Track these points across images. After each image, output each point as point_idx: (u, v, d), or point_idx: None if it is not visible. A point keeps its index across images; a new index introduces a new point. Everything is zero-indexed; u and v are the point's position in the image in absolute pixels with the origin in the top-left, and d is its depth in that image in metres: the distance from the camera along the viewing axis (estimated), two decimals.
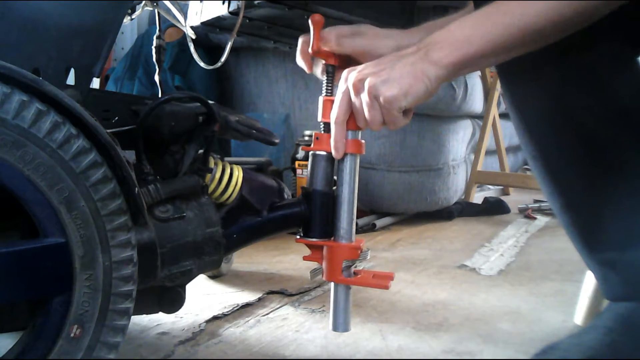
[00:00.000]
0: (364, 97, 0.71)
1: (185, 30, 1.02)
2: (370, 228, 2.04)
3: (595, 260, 0.71)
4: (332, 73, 0.82)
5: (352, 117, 0.77)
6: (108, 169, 0.62)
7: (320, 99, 0.82)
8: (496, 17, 0.64)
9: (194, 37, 1.02)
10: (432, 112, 2.08)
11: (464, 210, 2.36)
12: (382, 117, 0.71)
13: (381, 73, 0.69)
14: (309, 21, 0.77)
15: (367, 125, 0.74)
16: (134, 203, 0.66)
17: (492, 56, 0.66)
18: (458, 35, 0.66)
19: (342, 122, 0.75)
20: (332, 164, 0.82)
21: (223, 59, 0.90)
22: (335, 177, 0.81)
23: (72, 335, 0.61)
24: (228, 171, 0.84)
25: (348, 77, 0.73)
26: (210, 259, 0.78)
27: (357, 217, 0.94)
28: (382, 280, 0.79)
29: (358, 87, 0.71)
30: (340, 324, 0.81)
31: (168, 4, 1.04)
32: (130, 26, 2.78)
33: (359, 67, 0.73)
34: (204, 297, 1.24)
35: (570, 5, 0.60)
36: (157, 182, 0.75)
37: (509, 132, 2.92)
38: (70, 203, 0.59)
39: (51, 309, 0.60)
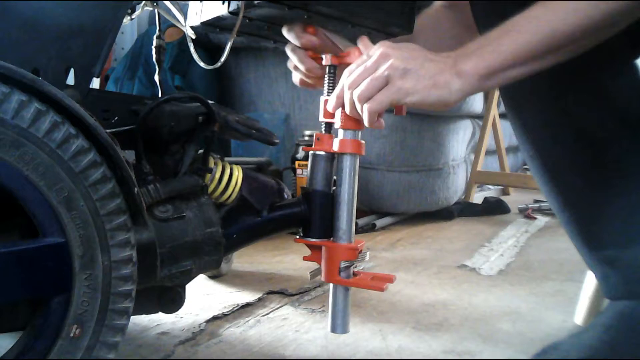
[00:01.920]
0: (380, 70, 0.68)
1: (185, 30, 1.02)
2: (370, 228, 2.04)
3: (595, 259, 0.71)
4: (334, 73, 0.82)
5: (350, 117, 0.77)
6: (107, 169, 0.62)
7: (322, 99, 0.82)
8: (522, 25, 0.63)
9: (193, 37, 1.02)
10: (432, 112, 2.08)
11: (464, 210, 2.36)
12: (370, 95, 0.69)
13: (409, 62, 0.67)
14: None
15: (352, 94, 0.72)
16: (134, 203, 0.65)
17: (519, 65, 0.64)
18: (485, 45, 0.65)
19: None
20: (332, 164, 0.82)
21: (223, 59, 0.90)
22: (335, 177, 0.81)
23: (71, 334, 0.61)
24: (228, 171, 0.84)
25: (378, 51, 0.70)
26: (210, 259, 0.78)
27: (357, 217, 0.94)
28: (378, 283, 0.79)
29: (382, 60, 0.69)
30: (339, 325, 0.81)
31: (168, 4, 1.04)
32: (130, 26, 2.78)
33: (392, 45, 0.71)
34: (204, 297, 1.24)
35: (598, 8, 0.59)
36: (157, 182, 0.75)
37: (509, 132, 2.91)
38: (69, 203, 0.59)
39: (51, 308, 0.60)
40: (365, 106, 0.70)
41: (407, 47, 0.71)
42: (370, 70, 0.70)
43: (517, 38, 0.63)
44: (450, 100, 0.66)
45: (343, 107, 0.76)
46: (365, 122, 0.72)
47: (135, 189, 0.66)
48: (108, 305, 0.63)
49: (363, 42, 0.79)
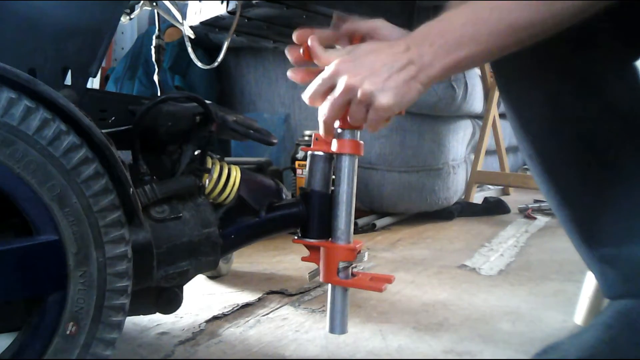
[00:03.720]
0: (355, 101, 0.68)
1: (183, 30, 1.02)
2: (370, 228, 2.04)
3: (593, 257, 0.71)
4: None
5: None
6: (100, 165, 0.62)
7: None
8: (484, 14, 0.62)
9: (192, 36, 1.02)
10: (432, 112, 2.08)
11: (464, 210, 2.36)
12: (364, 118, 0.70)
13: (376, 81, 0.66)
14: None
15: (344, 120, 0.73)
16: (129, 203, 0.65)
17: (484, 56, 0.65)
18: (449, 37, 0.64)
19: (331, 124, 0.73)
20: (331, 164, 0.82)
21: (220, 58, 0.90)
22: (333, 178, 0.81)
23: (67, 332, 0.61)
24: (226, 171, 0.84)
25: (340, 78, 0.69)
26: (207, 259, 0.78)
27: (357, 217, 0.94)
28: (377, 283, 0.78)
29: (349, 93, 0.68)
30: (337, 326, 0.80)
31: (167, 3, 1.04)
32: (130, 26, 2.78)
33: (350, 64, 0.69)
34: (204, 297, 1.24)
35: None
36: (154, 183, 0.75)
37: (509, 132, 2.92)
38: (62, 200, 0.59)
39: (46, 307, 0.60)
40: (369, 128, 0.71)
41: (364, 59, 0.69)
42: (343, 103, 0.69)
43: (479, 30, 0.62)
44: (423, 92, 0.67)
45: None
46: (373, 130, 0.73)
47: (131, 189, 0.65)
48: (104, 302, 0.62)
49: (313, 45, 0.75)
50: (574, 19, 0.61)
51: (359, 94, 0.68)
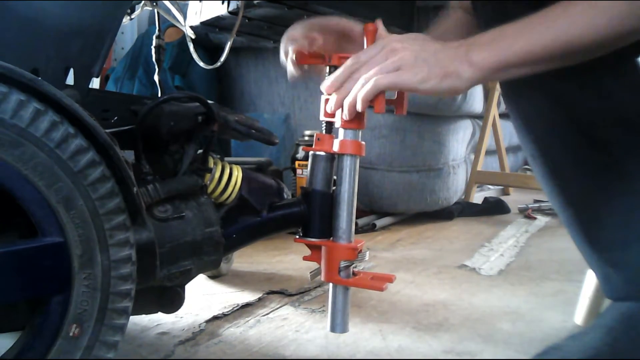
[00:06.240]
0: (390, 60, 0.68)
1: (184, 30, 1.02)
2: (370, 228, 2.04)
3: (596, 259, 0.71)
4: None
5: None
6: (106, 168, 0.62)
7: (322, 99, 0.82)
8: (541, 29, 0.64)
9: (193, 37, 1.02)
10: (432, 112, 2.08)
11: (464, 210, 2.36)
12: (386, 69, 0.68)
13: (420, 53, 0.67)
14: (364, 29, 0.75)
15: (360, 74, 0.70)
16: (133, 203, 0.65)
17: (528, 65, 0.65)
18: (499, 38, 0.65)
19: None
20: (332, 164, 0.82)
21: (222, 58, 0.90)
22: (334, 177, 0.81)
23: (71, 334, 0.61)
24: (227, 171, 0.84)
25: (389, 44, 0.69)
26: (210, 258, 0.78)
27: (357, 217, 0.94)
28: (378, 282, 0.78)
29: (387, 54, 0.68)
30: (338, 325, 0.80)
31: (168, 3, 1.04)
32: (130, 26, 2.78)
33: (402, 38, 0.70)
34: (204, 297, 1.24)
35: (619, 22, 0.61)
36: (156, 182, 0.75)
37: (509, 132, 2.92)
38: (68, 202, 0.59)
39: (50, 308, 0.60)
40: (374, 79, 0.67)
41: (416, 38, 0.70)
42: (379, 60, 0.68)
43: (532, 39, 0.64)
44: (460, 88, 0.67)
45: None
46: (363, 96, 0.69)
47: (135, 188, 0.66)
48: (107, 305, 0.63)
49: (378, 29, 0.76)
50: (623, 42, 0.63)
51: (397, 56, 0.67)
